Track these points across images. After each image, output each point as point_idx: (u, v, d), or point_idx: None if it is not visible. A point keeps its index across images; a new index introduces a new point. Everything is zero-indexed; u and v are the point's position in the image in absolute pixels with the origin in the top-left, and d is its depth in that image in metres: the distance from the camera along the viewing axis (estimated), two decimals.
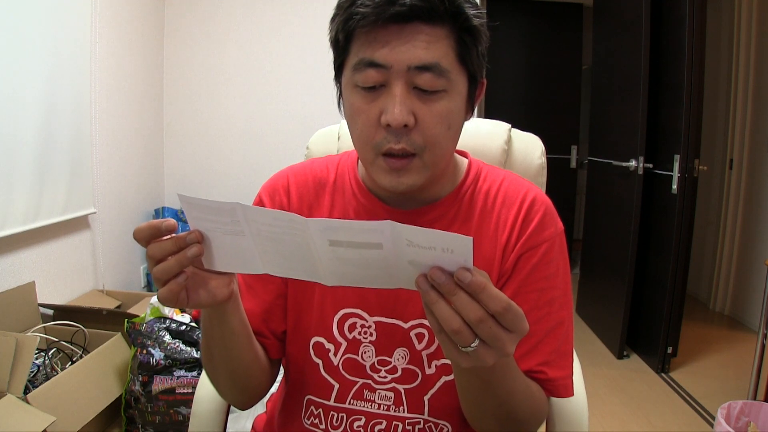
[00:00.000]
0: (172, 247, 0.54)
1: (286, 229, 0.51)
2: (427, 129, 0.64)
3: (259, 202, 0.80)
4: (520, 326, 0.48)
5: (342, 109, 0.71)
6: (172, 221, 0.55)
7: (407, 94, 0.63)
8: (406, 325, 0.74)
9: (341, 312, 0.75)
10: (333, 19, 0.66)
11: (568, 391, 0.72)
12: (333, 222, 0.49)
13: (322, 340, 0.76)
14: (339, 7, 0.65)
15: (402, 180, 0.66)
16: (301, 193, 0.79)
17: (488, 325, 0.47)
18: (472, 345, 0.48)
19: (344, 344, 0.75)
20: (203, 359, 0.73)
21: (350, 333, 0.75)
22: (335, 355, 0.76)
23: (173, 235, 0.55)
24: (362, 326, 0.74)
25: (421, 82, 0.62)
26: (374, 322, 0.74)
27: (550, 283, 0.72)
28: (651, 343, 2.71)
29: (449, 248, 0.46)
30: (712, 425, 2.16)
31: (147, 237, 0.55)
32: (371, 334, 0.74)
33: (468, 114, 0.71)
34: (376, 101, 0.64)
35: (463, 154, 0.82)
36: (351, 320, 0.75)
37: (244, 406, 0.78)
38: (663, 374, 2.62)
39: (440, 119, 0.64)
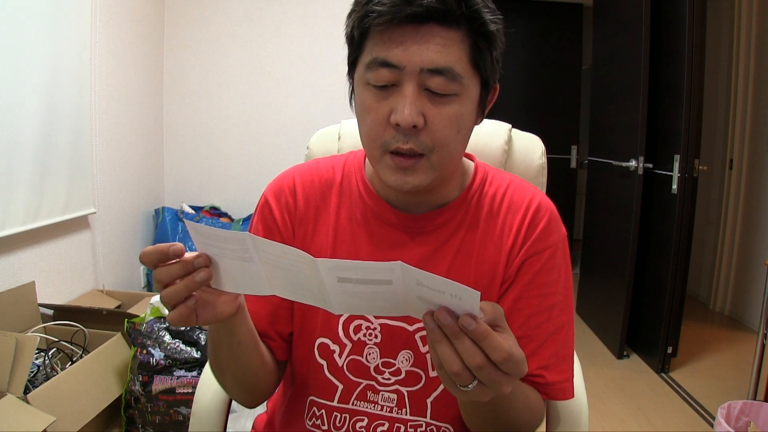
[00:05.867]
0: (179, 272, 0.55)
1: (294, 262, 0.52)
2: (436, 131, 0.64)
3: (265, 203, 0.79)
4: (519, 370, 0.49)
5: (353, 105, 0.71)
6: (179, 245, 0.55)
7: (418, 95, 0.62)
8: (411, 328, 0.74)
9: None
10: (350, 15, 0.66)
11: (566, 394, 0.73)
12: (342, 262, 0.49)
13: (327, 341, 0.76)
14: (356, 3, 0.65)
15: (408, 179, 0.66)
16: (308, 194, 0.78)
17: (487, 371, 0.48)
18: (470, 386, 0.49)
19: (349, 345, 0.75)
20: (211, 364, 0.74)
21: (355, 335, 0.75)
22: (340, 356, 0.76)
23: (180, 259, 0.55)
24: (367, 328, 0.74)
25: (433, 85, 0.62)
26: (379, 324, 0.74)
27: (551, 289, 0.72)
28: (651, 343, 2.71)
29: (457, 295, 0.46)
30: (712, 425, 2.16)
31: (154, 261, 0.55)
32: (376, 336, 0.74)
33: (479, 118, 0.71)
34: (387, 100, 0.64)
35: (470, 157, 0.81)
36: (356, 322, 0.75)
37: (252, 405, 0.79)
38: (663, 374, 2.63)
39: (450, 122, 0.64)
